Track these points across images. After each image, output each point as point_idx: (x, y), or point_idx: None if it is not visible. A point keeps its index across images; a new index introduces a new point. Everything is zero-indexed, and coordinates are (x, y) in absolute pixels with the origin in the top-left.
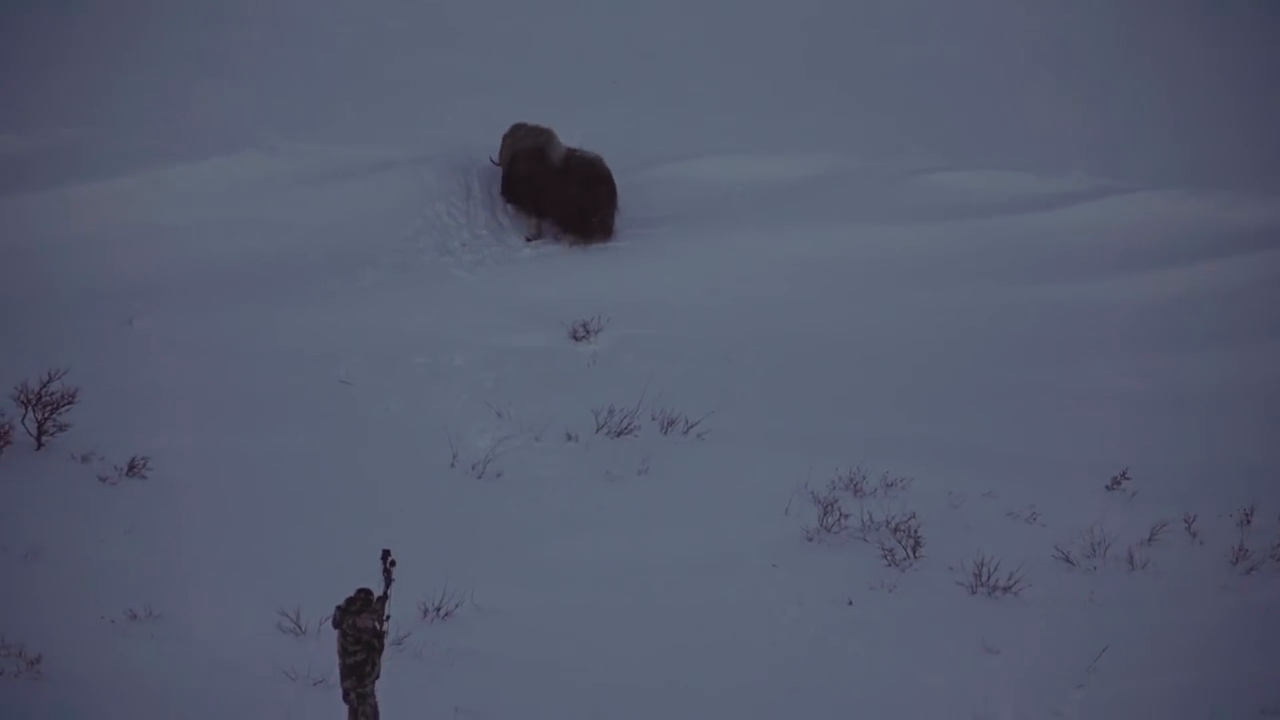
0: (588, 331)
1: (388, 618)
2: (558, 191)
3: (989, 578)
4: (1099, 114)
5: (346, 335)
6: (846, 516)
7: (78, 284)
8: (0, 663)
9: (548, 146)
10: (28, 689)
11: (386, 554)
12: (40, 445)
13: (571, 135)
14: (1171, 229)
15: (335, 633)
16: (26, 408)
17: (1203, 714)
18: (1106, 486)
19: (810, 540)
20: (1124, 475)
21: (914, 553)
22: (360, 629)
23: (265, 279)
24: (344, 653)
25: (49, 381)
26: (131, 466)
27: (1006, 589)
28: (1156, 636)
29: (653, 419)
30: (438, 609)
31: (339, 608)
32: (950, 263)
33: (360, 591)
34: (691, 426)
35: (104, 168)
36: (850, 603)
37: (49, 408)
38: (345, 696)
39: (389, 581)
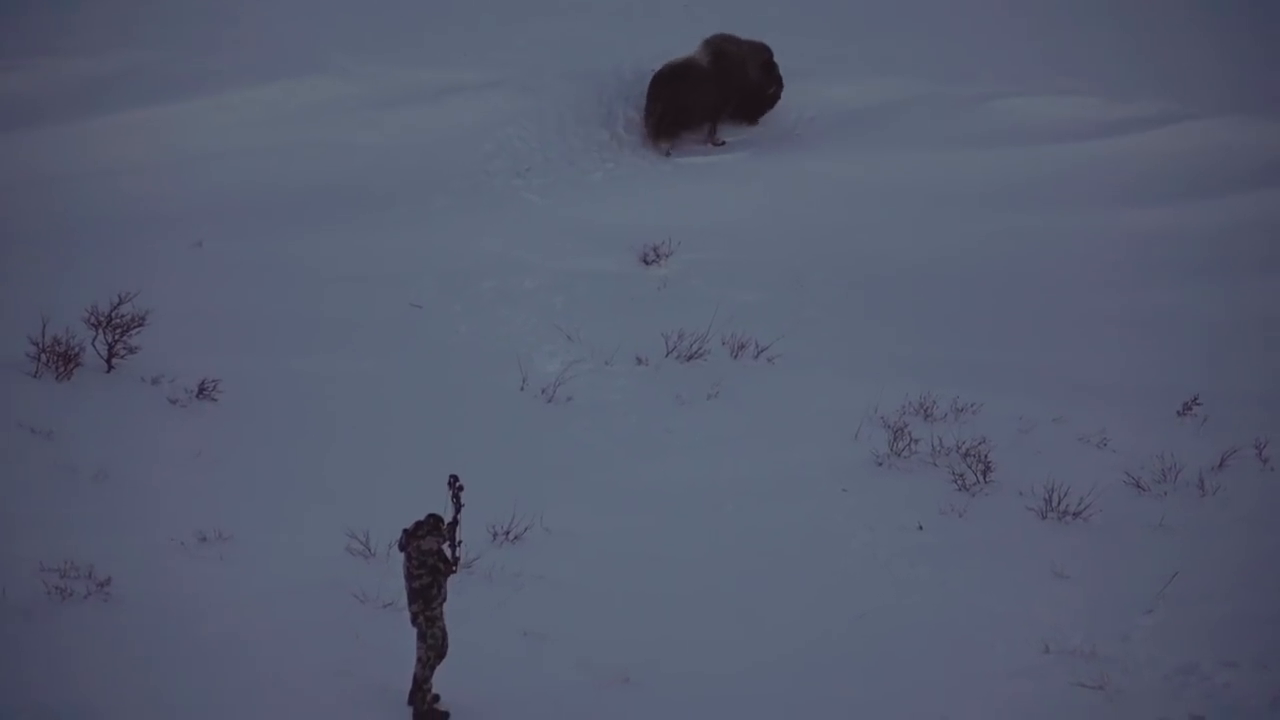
0: (658, 255)
1: (459, 543)
2: None
3: (1059, 503)
4: (1168, 39)
5: (417, 259)
6: (916, 441)
7: (147, 207)
8: (70, 584)
9: None
10: (98, 610)
11: (454, 480)
12: (110, 368)
13: (642, 58)
14: (1241, 155)
15: (402, 556)
16: (97, 330)
17: (1271, 641)
18: (1177, 412)
19: (880, 465)
20: (1195, 401)
21: (984, 478)
22: (425, 552)
23: (335, 202)
24: (410, 576)
25: (119, 304)
26: (201, 389)
27: (1076, 514)
28: (1226, 563)
29: (723, 343)
30: (507, 532)
31: (405, 531)
32: (1019, 188)
33: (429, 516)
34: (761, 351)
35: (174, 91)
36: (920, 527)
37: (119, 330)
38: (414, 620)
39: (458, 507)
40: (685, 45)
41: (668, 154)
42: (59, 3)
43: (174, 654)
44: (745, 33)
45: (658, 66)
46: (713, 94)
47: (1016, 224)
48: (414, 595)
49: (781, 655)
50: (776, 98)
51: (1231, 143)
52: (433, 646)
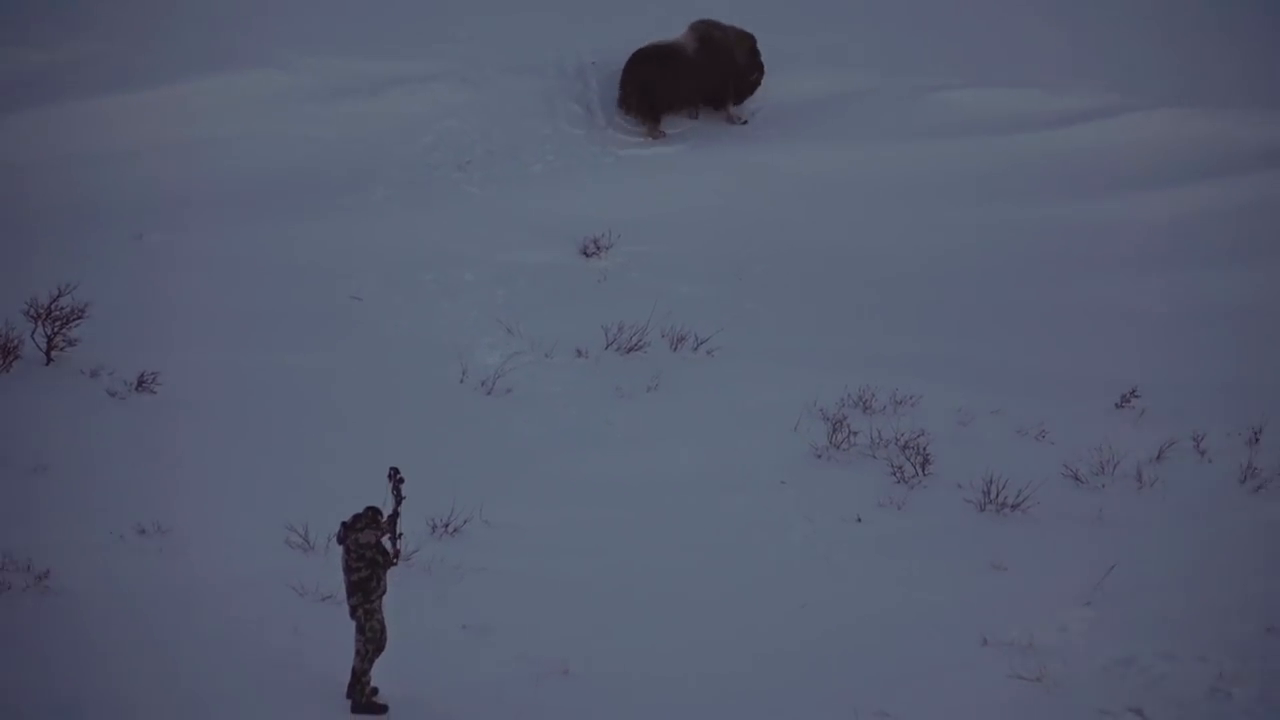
0: (598, 248)
1: (400, 535)
2: None
3: (997, 495)
4: (1109, 31)
5: (358, 251)
6: (855, 434)
7: (89, 198)
8: (8, 577)
9: None
10: (36, 604)
11: (394, 472)
12: (50, 360)
13: (583, 51)
14: (1181, 147)
15: (341, 549)
16: (36, 322)
17: (1209, 632)
18: (1115, 404)
19: (819, 457)
20: (1133, 393)
21: (923, 470)
22: (363, 545)
23: (277, 195)
24: (349, 569)
25: (59, 296)
26: (141, 382)
27: (1015, 506)
28: (1164, 555)
29: (662, 336)
30: (446, 525)
31: (343, 524)
32: (962, 180)
33: (367, 509)
34: (701, 343)
35: (118, 83)
36: (859, 520)
37: (59, 323)
38: (352, 613)
39: (399, 499)
40: (627, 39)
41: (659, 134)
42: None
43: (112, 646)
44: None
45: (596, 59)
46: (699, 79)
47: (959, 217)
48: (352, 588)
49: (720, 646)
50: (758, 84)
51: (1174, 134)
52: (371, 639)
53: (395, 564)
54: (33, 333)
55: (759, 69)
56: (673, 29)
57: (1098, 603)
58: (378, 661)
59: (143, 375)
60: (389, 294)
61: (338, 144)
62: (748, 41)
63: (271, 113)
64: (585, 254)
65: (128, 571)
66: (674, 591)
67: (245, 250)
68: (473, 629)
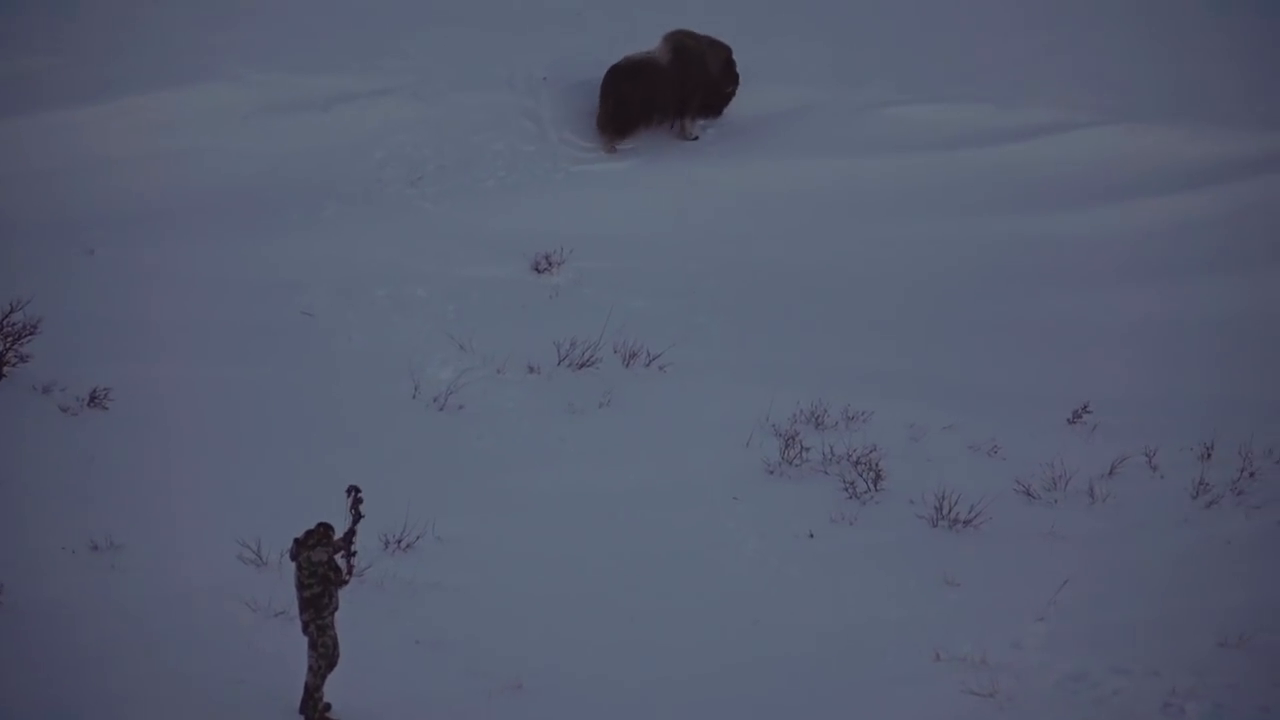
0: (550, 263)
1: (354, 553)
2: None
3: (950, 511)
4: (1061, 47)
5: (309, 266)
6: (807, 449)
7: (39, 214)
8: None
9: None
10: None
11: (353, 490)
12: (2, 376)
13: (535, 65)
14: (1134, 162)
15: (293, 565)
16: None
17: (1161, 647)
18: (1068, 420)
19: (771, 473)
20: (1085, 408)
21: (875, 485)
22: (315, 563)
23: (227, 209)
24: (301, 586)
25: (10, 312)
26: (93, 397)
27: (967, 522)
28: (1116, 570)
29: (615, 351)
30: (399, 541)
31: (296, 540)
32: (914, 196)
33: (320, 525)
34: (654, 359)
35: (66, 98)
36: (811, 535)
37: (10, 338)
38: (305, 628)
39: (357, 517)
40: (578, 55)
41: (613, 150)
42: None
43: (65, 661)
44: (639, 39)
45: (548, 75)
46: (673, 90)
47: (913, 232)
48: (305, 604)
49: (673, 662)
50: (733, 95)
51: (1127, 149)
52: (324, 655)
53: (348, 582)
54: None
55: (734, 79)
56: (625, 45)
57: (1050, 618)
58: (330, 677)
59: (95, 391)
60: (341, 309)
61: (289, 159)
62: (722, 52)
63: (223, 128)
64: (537, 269)
65: (80, 587)
66: (627, 607)
67: (197, 265)
68: (425, 644)
